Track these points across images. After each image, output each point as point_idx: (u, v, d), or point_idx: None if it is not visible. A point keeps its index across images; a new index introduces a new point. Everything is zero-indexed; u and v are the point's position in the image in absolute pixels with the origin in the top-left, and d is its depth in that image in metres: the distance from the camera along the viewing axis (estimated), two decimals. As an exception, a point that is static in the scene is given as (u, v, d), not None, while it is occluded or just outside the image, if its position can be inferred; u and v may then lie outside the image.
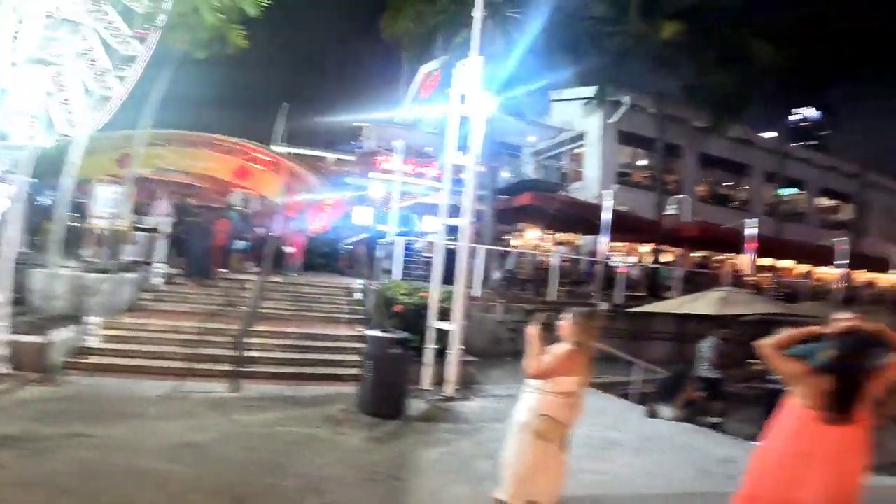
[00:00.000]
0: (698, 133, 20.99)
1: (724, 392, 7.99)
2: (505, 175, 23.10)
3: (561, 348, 3.04)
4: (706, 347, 8.14)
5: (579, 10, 16.32)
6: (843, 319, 2.73)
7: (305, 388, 6.49)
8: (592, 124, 20.35)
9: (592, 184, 19.86)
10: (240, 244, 11.21)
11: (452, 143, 6.88)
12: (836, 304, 12.38)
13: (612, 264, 13.05)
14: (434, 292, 7.00)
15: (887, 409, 2.61)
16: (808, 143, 50.43)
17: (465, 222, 6.77)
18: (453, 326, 6.85)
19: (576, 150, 21.69)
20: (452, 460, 4.74)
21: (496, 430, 5.42)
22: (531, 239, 19.49)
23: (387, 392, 5.77)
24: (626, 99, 19.74)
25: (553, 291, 11.34)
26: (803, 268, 21.06)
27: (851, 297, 16.50)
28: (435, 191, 15.45)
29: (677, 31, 15.14)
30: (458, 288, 6.88)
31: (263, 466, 4.15)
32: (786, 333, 2.78)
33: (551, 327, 3.18)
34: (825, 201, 24.46)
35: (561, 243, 18.56)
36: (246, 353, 6.47)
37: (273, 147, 22.88)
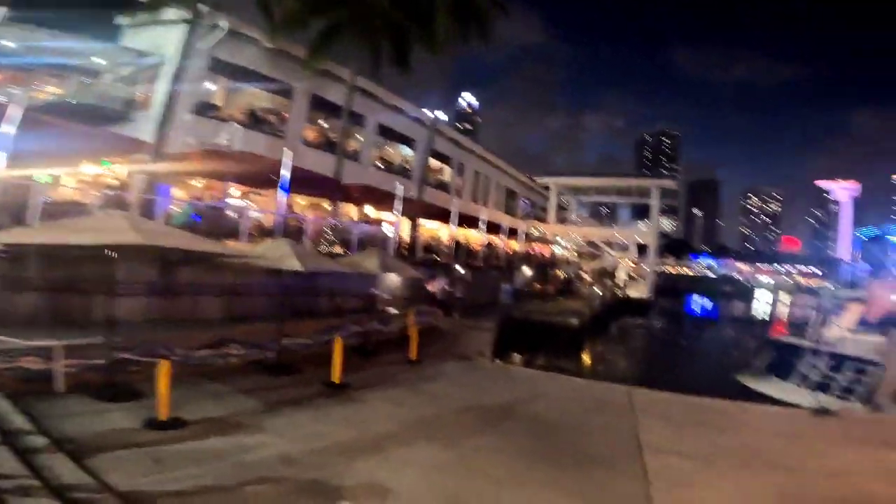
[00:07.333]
0: (315, 74, 20.14)
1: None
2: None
3: None
4: None
5: None
6: None
7: None
8: (177, 49, 17.25)
9: (159, 112, 16.88)
10: None
11: None
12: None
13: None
14: None
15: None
16: (464, 124, 58.67)
17: None
18: None
19: (154, 77, 18.26)
20: None
21: None
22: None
23: None
24: (224, 24, 17.16)
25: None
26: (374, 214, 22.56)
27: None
28: None
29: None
30: None
31: None
32: None
33: None
34: (434, 162, 27.31)
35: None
36: None
37: None
